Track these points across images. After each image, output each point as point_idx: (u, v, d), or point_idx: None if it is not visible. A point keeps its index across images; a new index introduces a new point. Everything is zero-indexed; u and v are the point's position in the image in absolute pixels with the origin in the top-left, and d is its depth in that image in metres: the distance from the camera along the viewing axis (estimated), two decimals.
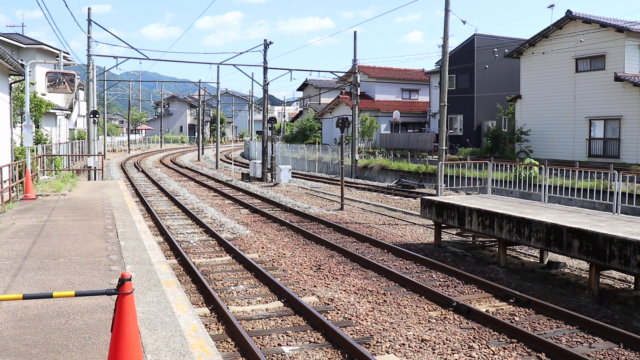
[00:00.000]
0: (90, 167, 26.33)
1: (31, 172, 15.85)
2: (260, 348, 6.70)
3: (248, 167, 34.84)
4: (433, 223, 13.32)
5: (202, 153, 56.02)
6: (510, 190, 16.52)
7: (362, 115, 42.38)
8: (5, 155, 17.58)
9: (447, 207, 12.27)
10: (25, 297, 3.79)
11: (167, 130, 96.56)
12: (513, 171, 18.74)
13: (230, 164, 42.03)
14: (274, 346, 6.81)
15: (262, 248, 12.57)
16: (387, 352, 6.69)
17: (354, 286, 9.49)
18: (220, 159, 48.12)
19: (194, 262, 10.77)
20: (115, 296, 3.82)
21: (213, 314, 7.92)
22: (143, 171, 36.54)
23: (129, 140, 65.28)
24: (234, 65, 31.25)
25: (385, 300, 8.70)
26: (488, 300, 8.82)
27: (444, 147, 19.50)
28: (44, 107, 24.56)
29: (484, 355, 6.62)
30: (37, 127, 25.24)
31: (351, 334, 7.23)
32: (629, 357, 6.61)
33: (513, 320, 7.83)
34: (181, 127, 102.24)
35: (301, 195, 23.33)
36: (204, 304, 8.33)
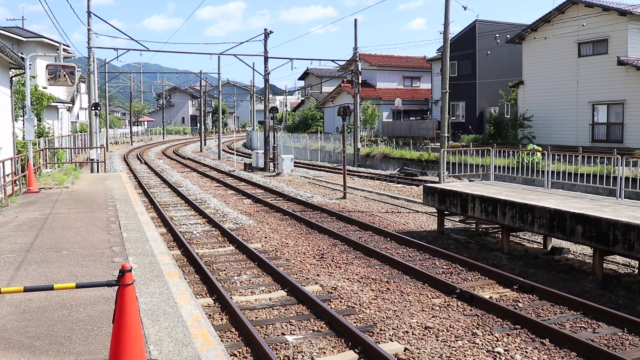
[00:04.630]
0: (92, 159, 26.34)
1: (34, 165, 15.86)
2: (264, 337, 6.71)
3: (250, 158, 34.83)
4: (436, 210, 13.29)
5: (205, 144, 55.98)
6: (513, 177, 16.46)
7: (364, 104, 42.24)
8: (8, 149, 17.58)
9: (450, 194, 12.24)
10: (26, 290, 3.79)
11: (169, 121, 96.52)
12: (516, 157, 18.65)
13: (233, 154, 42.00)
14: (278, 335, 6.82)
15: (265, 238, 12.57)
16: (391, 339, 6.70)
17: (357, 274, 9.49)
18: (223, 150, 48.11)
19: (197, 253, 10.78)
20: (117, 287, 3.81)
21: (216, 304, 7.93)
22: (146, 163, 36.55)
23: (131, 132, 65.26)
24: (234, 55, 31.14)
25: (388, 288, 8.69)
26: (491, 286, 8.81)
27: (446, 134, 19.42)
28: (45, 101, 24.54)
29: (488, 341, 6.62)
30: (39, 120, 25.24)
31: (354, 322, 7.24)
32: (633, 342, 6.60)
33: (517, 307, 7.82)
34: (183, 118, 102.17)
35: (304, 184, 23.32)
36: (207, 294, 8.34)
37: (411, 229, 13.57)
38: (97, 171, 25.30)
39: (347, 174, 21.67)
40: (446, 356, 6.22)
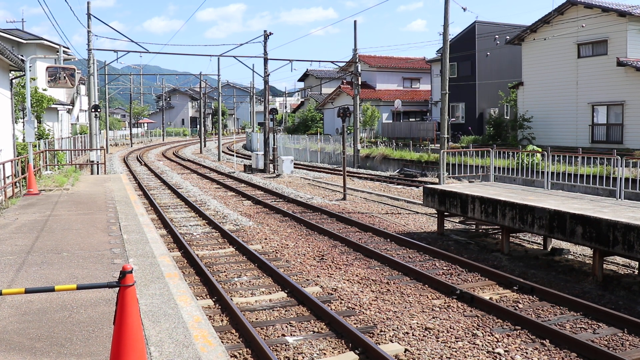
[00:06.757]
0: (92, 161, 26.35)
1: (34, 167, 15.86)
2: (264, 339, 6.72)
3: (250, 159, 34.84)
4: (436, 211, 13.30)
5: (204, 145, 55.99)
6: (513, 178, 16.48)
7: (364, 105, 42.26)
8: (8, 151, 17.59)
9: (450, 196, 12.25)
10: (27, 291, 3.79)
11: (169, 123, 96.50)
12: (516, 158, 18.67)
13: (233, 156, 42.02)
14: (278, 337, 6.83)
15: (265, 239, 12.58)
16: (391, 340, 6.70)
17: (357, 276, 9.49)
18: (223, 151, 48.11)
19: (197, 254, 10.79)
20: (117, 289, 3.82)
21: (217, 305, 7.94)
22: (146, 164, 36.56)
23: (131, 134, 65.22)
24: (234, 56, 31.17)
25: (388, 290, 8.70)
26: (492, 287, 8.82)
27: (446, 136, 19.44)
28: (45, 103, 24.57)
29: (488, 342, 6.62)
30: (39, 122, 25.27)
31: (355, 324, 7.24)
32: (633, 343, 6.61)
33: (517, 307, 7.83)
34: (183, 120, 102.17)
35: (303, 186, 23.32)
36: (208, 296, 8.35)
37: (411, 230, 13.57)
38: (97, 173, 25.31)
39: (347, 175, 21.69)
40: (446, 357, 6.23)
